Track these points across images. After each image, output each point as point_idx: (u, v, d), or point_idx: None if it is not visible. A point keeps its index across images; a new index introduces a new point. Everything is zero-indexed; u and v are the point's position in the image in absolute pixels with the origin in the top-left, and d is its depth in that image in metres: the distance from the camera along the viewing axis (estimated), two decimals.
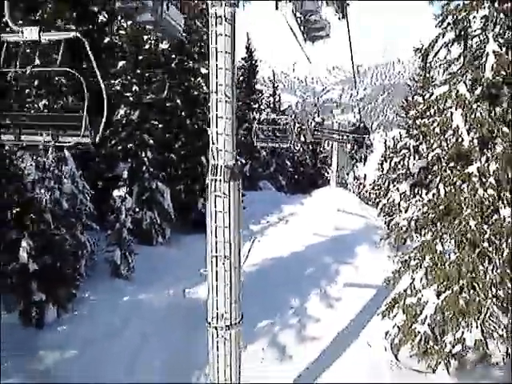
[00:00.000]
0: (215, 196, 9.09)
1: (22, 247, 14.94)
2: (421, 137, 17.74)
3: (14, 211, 15.11)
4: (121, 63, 23.17)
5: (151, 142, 23.18)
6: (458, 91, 13.30)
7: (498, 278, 13.55)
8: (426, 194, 15.07)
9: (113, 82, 23.32)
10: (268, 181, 47.69)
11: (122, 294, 18.53)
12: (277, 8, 8.23)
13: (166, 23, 9.11)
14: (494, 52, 12.57)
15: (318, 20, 8.93)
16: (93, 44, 22.55)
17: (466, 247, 13.51)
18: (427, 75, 27.97)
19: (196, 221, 27.62)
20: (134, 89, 22.77)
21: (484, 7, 13.02)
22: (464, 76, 13.47)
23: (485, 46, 12.94)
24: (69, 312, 16.67)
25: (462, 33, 13.48)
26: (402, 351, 15.32)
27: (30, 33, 8.00)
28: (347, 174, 63.71)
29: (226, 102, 8.80)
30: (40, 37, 7.91)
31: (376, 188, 45.49)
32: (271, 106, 51.79)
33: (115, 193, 19.48)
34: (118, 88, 23.24)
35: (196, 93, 27.53)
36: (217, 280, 9.42)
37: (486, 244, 13.48)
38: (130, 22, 23.35)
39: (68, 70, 7.85)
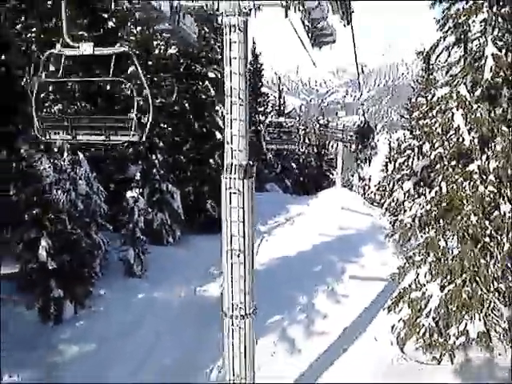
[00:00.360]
0: (230, 193, 9.64)
1: (41, 246, 15.59)
2: (424, 137, 18.23)
3: (34, 211, 15.74)
4: (131, 68, 23.69)
5: (161, 144, 23.75)
6: (458, 92, 13.79)
7: (500, 272, 14.07)
8: (429, 192, 15.55)
9: (123, 86, 23.93)
10: (274, 183, 48.25)
11: (136, 291, 19.13)
12: (286, 16, 8.80)
13: (182, 31, 9.75)
14: (492, 54, 13.03)
15: (324, 27, 9.53)
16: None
17: (468, 242, 13.97)
18: (430, 77, 28.56)
19: (204, 222, 28.28)
20: (144, 93, 23.30)
21: (483, 11, 13.47)
22: (464, 78, 13.95)
23: (484, 49, 13.39)
24: (85, 308, 17.30)
25: (462, 36, 14.00)
26: (408, 345, 15.74)
27: (86, 48, 8.86)
28: (352, 176, 64.12)
29: (239, 105, 9.39)
30: (94, 51, 8.53)
31: (381, 189, 45.91)
32: (276, 108, 52.31)
33: (128, 194, 20.13)
34: (128, 92, 23.78)
35: (204, 97, 28.12)
36: (231, 272, 9.95)
37: (487, 239, 13.98)
38: (139, 28, 24.01)
39: (120, 79, 8.65)
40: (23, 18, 21.44)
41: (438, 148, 14.93)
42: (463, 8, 13.89)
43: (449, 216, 14.53)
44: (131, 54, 8.54)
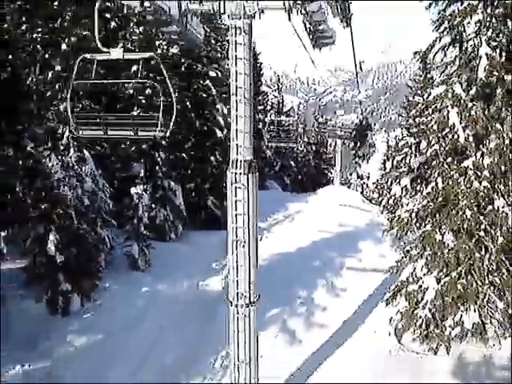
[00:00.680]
0: (235, 187, 10.13)
1: (49, 240, 16.07)
2: (420, 134, 18.64)
3: (43, 207, 16.21)
4: (134, 67, 24.16)
5: (163, 142, 24.18)
6: (454, 91, 14.16)
7: (494, 265, 14.48)
8: (426, 188, 15.97)
9: (126, 85, 24.41)
10: (273, 180, 48.74)
11: (140, 285, 19.63)
12: (289, 19, 9.27)
13: (189, 33, 10.23)
14: (486, 54, 13.31)
15: (325, 29, 9.99)
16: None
17: (463, 236, 14.42)
18: (427, 76, 28.98)
19: (205, 219, 28.81)
20: (146, 92, 23.76)
21: (477, 13, 13.79)
22: (459, 77, 14.31)
23: (478, 49, 13.65)
24: (92, 301, 17.80)
25: (458, 37, 14.31)
26: (405, 336, 16.20)
27: (116, 53, 9.32)
28: (350, 174, 64.63)
29: (244, 103, 9.89)
30: (123, 56, 9.19)
31: (379, 187, 46.35)
32: (275, 107, 52.78)
33: (133, 190, 20.64)
34: (131, 91, 24.26)
35: (204, 95, 28.56)
36: (237, 262, 10.45)
37: (482, 233, 14.40)
38: (141, 28, 24.45)
39: (147, 81, 9.26)
40: (28, 19, 21.73)
41: (434, 145, 15.25)
42: (458, 9, 14.15)
43: (444, 211, 14.92)
44: (157, 59, 9.10)
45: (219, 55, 31.31)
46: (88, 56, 9.33)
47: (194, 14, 10.04)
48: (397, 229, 17.03)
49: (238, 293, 10.60)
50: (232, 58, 9.79)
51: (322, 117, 53.74)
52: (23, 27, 21.37)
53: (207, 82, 28.49)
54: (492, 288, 14.75)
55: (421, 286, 15.39)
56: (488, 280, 14.64)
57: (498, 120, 13.97)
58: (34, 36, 20.76)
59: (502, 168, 13.89)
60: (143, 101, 24.14)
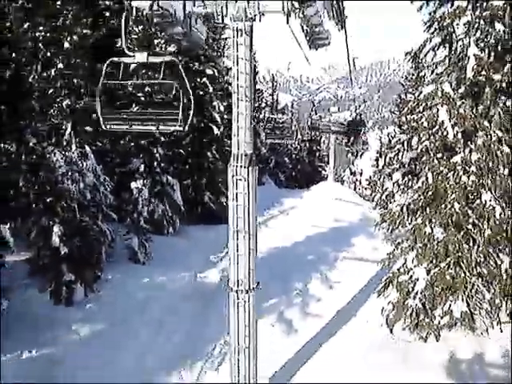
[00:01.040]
0: (236, 180, 10.76)
1: (54, 232, 16.63)
2: (411, 131, 19.23)
3: (48, 200, 16.77)
4: (133, 65, 24.64)
5: (162, 138, 24.70)
6: (443, 90, 14.60)
7: (482, 257, 14.99)
8: (416, 182, 16.55)
9: (125, 83, 24.89)
10: (269, 176, 49.34)
11: (140, 276, 20.16)
12: (287, 22, 9.88)
13: (193, 34, 10.85)
14: (474, 55, 13.74)
15: (321, 31, 10.63)
16: (106, 48, 24.21)
17: (451, 229, 14.91)
18: (420, 74, 29.57)
19: (202, 214, 29.39)
20: (146, 89, 24.26)
21: (466, 14, 14.27)
22: (449, 76, 14.74)
23: (467, 50, 14.01)
24: (94, 292, 18.37)
25: (447, 37, 14.71)
26: (396, 326, 16.66)
27: (141, 56, 10.04)
28: (344, 172, 65.26)
29: (245, 100, 10.49)
30: (148, 59, 9.97)
31: (372, 183, 47.00)
32: (270, 104, 53.36)
33: (133, 184, 21.26)
34: (131, 89, 24.74)
35: (201, 93, 29.06)
36: (237, 251, 11.08)
37: (470, 226, 14.88)
38: (141, 27, 24.94)
39: (170, 82, 9.98)
40: (30, 17, 22.18)
41: (424, 141, 15.69)
42: (448, 11, 14.59)
43: (434, 204, 15.41)
44: (177, 63, 9.80)
45: (215, 54, 31.86)
46: (115, 59, 9.98)
47: (198, 17, 10.63)
48: (388, 222, 17.57)
49: (238, 279, 11.22)
50: (233, 58, 10.39)
51: (316, 114, 54.19)
52: (25, 25, 21.80)
53: (204, 79, 29.01)
54: (480, 279, 15.20)
55: (411, 277, 15.83)
56: (476, 271, 15.09)
57: (485, 118, 14.42)
58: (37, 34, 21.19)
59: (490, 164, 14.32)
60: (142, 98, 24.60)
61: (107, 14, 26.10)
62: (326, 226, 28.84)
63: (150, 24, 10.35)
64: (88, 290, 18.11)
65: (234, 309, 11.44)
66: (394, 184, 19.23)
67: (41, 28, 21.70)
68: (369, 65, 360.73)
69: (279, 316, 18.27)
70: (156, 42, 25.38)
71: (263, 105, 52.43)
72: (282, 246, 25.21)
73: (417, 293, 15.71)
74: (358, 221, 31.00)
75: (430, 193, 15.58)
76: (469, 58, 13.92)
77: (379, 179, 37.21)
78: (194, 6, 10.23)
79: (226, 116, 29.63)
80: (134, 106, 24.40)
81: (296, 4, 9.46)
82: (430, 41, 15.25)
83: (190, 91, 9.65)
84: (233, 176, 10.78)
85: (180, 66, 9.71)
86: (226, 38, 32.43)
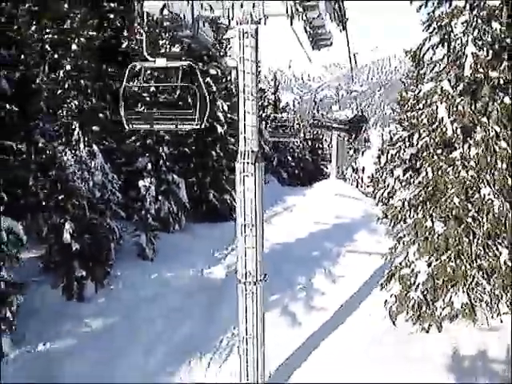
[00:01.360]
0: (244, 176, 11.25)
1: (65, 229, 17.12)
2: (412, 128, 19.56)
3: (59, 198, 17.27)
4: (138, 66, 25.06)
5: (167, 137, 25.12)
6: (442, 87, 14.98)
7: (482, 249, 15.36)
8: (417, 178, 16.96)
9: (131, 83, 25.35)
10: (271, 174, 49.72)
11: (149, 272, 20.74)
12: (291, 24, 10.35)
13: (201, 37, 11.34)
14: (472, 53, 14.11)
15: (323, 33, 11.12)
16: (111, 49, 24.66)
17: (451, 222, 15.24)
18: (420, 72, 29.86)
19: (207, 211, 29.85)
20: (151, 89, 24.66)
21: (464, 14, 14.63)
22: (448, 74, 15.07)
23: (465, 48, 14.39)
24: (105, 287, 18.89)
25: (446, 36, 14.99)
26: (399, 318, 17.01)
27: (161, 61, 10.81)
28: (346, 169, 65.64)
29: (251, 100, 10.98)
30: (167, 64, 10.74)
31: (374, 180, 47.28)
32: (272, 103, 53.75)
33: (140, 183, 21.79)
34: (136, 89, 25.17)
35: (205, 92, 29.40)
36: (245, 244, 11.58)
37: (469, 219, 15.23)
38: (146, 29, 25.37)
39: (187, 84, 10.58)
40: (37, 19, 22.65)
41: (424, 138, 16.10)
42: (446, 11, 15.00)
43: (434, 199, 15.79)
44: (194, 67, 10.49)
45: (218, 54, 32.24)
46: (137, 64, 10.58)
47: (205, 20, 11.10)
48: (390, 217, 17.96)
49: (246, 271, 11.71)
50: (240, 59, 10.87)
51: (318, 112, 54.71)
52: (32, 28, 22.25)
53: (207, 79, 29.39)
54: (480, 271, 15.55)
55: (413, 270, 16.21)
56: (476, 263, 15.45)
57: (484, 114, 14.76)
58: (45, 37, 21.66)
59: (488, 159, 14.66)
60: (147, 98, 25.01)
61: (111, 15, 26.50)
62: (329, 222, 29.29)
63: (160, 28, 10.85)
64: (98, 286, 18.61)
65: (242, 300, 11.94)
66: (395, 180, 19.56)
67: (48, 30, 22.13)
68: (370, 63, 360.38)
69: (284, 310, 18.73)
70: (161, 43, 25.80)
71: (266, 103, 52.81)
72: (285, 242, 25.58)
73: (418, 285, 16.08)
74: (361, 217, 31.43)
75: (430, 188, 15.95)
76: (467, 56, 14.28)
77: (381, 176, 37.45)
78: (202, 10, 10.68)
79: (229, 115, 30.05)
80: (139, 105, 24.87)
81: (300, 8, 9.91)
82: (429, 40, 15.52)
83: (206, 93, 10.19)
84: (240, 172, 11.26)
85: (197, 70, 10.20)
86: (228, 39, 32.80)
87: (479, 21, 14.44)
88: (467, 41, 14.49)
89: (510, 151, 14.54)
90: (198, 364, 15.38)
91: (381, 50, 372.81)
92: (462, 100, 14.90)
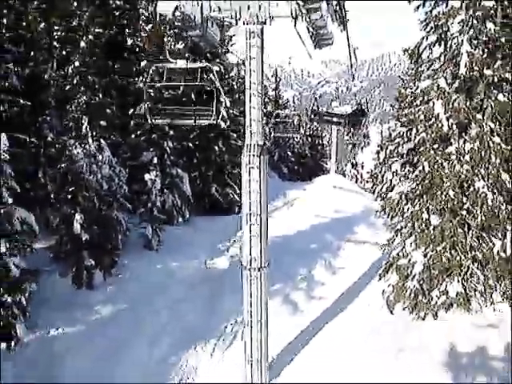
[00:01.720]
0: (249, 168, 11.92)
1: (75, 220, 17.77)
2: (409, 124, 20.10)
3: (70, 190, 17.92)
4: (143, 63, 25.70)
5: (171, 132, 25.70)
6: (439, 85, 15.47)
7: (476, 241, 15.89)
8: (414, 172, 17.53)
9: (136, 79, 26.03)
10: (272, 169, 50.26)
11: (154, 263, 21.48)
12: (295, 25, 10.99)
13: (209, 36, 11.97)
14: (467, 52, 14.64)
15: (325, 33, 11.75)
16: (117, 46, 25.17)
17: (447, 215, 15.80)
18: (419, 69, 30.38)
19: (210, 205, 30.47)
20: (156, 86, 25.17)
21: (460, 14, 15.14)
22: (444, 72, 15.62)
23: (461, 47, 14.90)
24: (112, 276, 19.60)
25: (443, 36, 15.61)
26: (396, 307, 17.54)
27: (181, 63, 11.81)
28: (345, 165, 66.13)
29: (257, 96, 11.63)
30: (187, 65, 11.72)
31: (373, 176, 47.73)
32: (273, 99, 54.25)
33: (147, 176, 22.44)
34: (141, 85, 25.77)
35: (208, 88, 29.93)
36: (250, 232, 12.26)
37: (464, 212, 15.77)
38: (150, 26, 25.99)
39: (203, 84, 11.36)
40: (46, 17, 23.21)
41: (421, 133, 16.63)
42: (443, 11, 15.52)
43: (430, 192, 16.31)
44: (211, 68, 11.46)
45: (221, 50, 32.75)
46: (160, 65, 11.30)
47: (214, 20, 11.73)
48: (388, 209, 18.54)
49: (251, 258, 12.38)
50: (247, 58, 11.51)
51: (318, 108, 55.06)
52: (41, 25, 22.83)
53: (211, 75, 29.88)
54: (474, 261, 16.07)
55: (410, 261, 16.73)
56: (470, 254, 15.96)
57: (478, 110, 15.27)
58: (54, 34, 22.25)
59: (482, 153, 15.16)
60: (152, 94, 25.54)
61: (117, 13, 27.02)
62: (329, 216, 29.73)
63: (173, 27, 11.52)
64: (106, 275, 19.25)
65: (247, 285, 12.62)
66: (393, 174, 20.20)
67: (56, 28, 22.70)
68: (370, 59, 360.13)
69: (285, 298, 19.35)
70: (165, 40, 26.33)
71: (266, 100, 53.26)
72: (286, 234, 26.04)
73: (415, 275, 16.63)
74: (360, 212, 31.85)
75: (426, 181, 16.47)
76: (462, 54, 14.80)
77: (380, 172, 37.96)
78: (211, 11, 11.30)
79: (231, 111, 30.56)
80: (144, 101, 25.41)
81: (303, 10, 10.53)
82: (427, 39, 16.13)
83: (222, 91, 10.89)
84: (246, 164, 11.91)
85: (214, 71, 10.87)
86: (231, 36, 33.32)
87: (474, 21, 14.92)
88: (463, 40, 14.97)
89: (503, 146, 15.03)
90: (204, 349, 16.04)
91: (381, 47, 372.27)
92: (457, 97, 15.32)
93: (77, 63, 19.77)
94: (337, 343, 16.04)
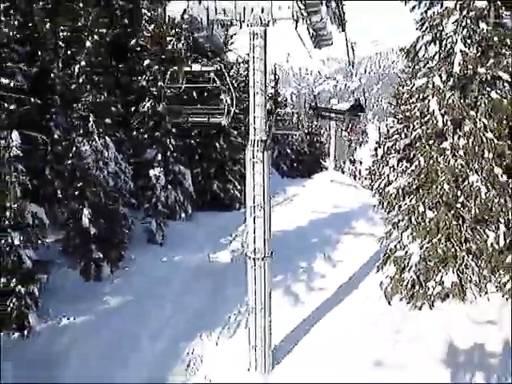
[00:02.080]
0: (253, 162, 12.55)
1: (84, 214, 18.39)
2: (406, 120, 20.63)
3: (78, 185, 18.53)
4: (146, 62, 26.27)
5: (174, 130, 26.24)
6: (434, 83, 15.99)
7: (470, 233, 16.45)
8: (410, 166, 18.08)
9: (139, 78, 26.63)
10: (271, 166, 50.75)
11: (159, 256, 22.22)
12: (296, 27, 11.62)
13: (215, 37, 12.61)
14: (461, 51, 15.13)
15: (325, 34, 12.36)
16: (120, 45, 25.74)
17: (442, 208, 16.33)
18: (416, 67, 30.89)
19: (211, 201, 31.06)
20: (158, 84, 25.77)
21: (454, 14, 15.56)
22: (439, 70, 16.11)
23: (455, 46, 15.33)
24: (119, 269, 20.26)
25: (437, 35, 16.06)
26: (394, 298, 18.11)
27: (196, 66, 13.11)
28: (344, 163, 66.65)
29: (261, 94, 12.25)
30: (201, 68, 13.00)
31: (371, 172, 48.21)
32: (272, 97, 54.68)
33: (151, 172, 23.11)
34: (144, 83, 26.37)
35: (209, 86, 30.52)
36: (254, 223, 12.90)
37: (458, 205, 16.29)
38: (153, 25, 26.60)
39: (218, 85, 12.07)
40: (52, 17, 23.69)
41: (417, 129, 17.25)
42: (438, 11, 15.97)
43: (426, 186, 16.86)
44: (223, 71, 11.83)
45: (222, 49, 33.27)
46: (177, 69, 12.06)
47: (219, 23, 12.35)
48: (386, 204, 19.10)
49: (255, 248, 13.02)
50: (251, 58, 12.13)
51: (317, 105, 55.57)
52: (47, 26, 23.31)
53: (212, 74, 30.44)
54: (468, 253, 16.64)
55: (406, 253, 17.27)
56: (465, 246, 16.50)
57: (472, 107, 15.80)
58: (59, 34, 22.78)
59: (476, 149, 15.69)
60: (155, 93, 26.16)
61: (120, 13, 27.61)
62: (328, 211, 30.36)
63: (181, 29, 12.20)
64: (113, 268, 19.88)
65: (251, 274, 13.27)
66: (390, 169, 20.77)
67: (62, 28, 23.23)
68: (368, 57, 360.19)
69: (286, 290, 19.94)
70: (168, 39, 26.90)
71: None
72: (286, 229, 26.43)
73: (412, 266, 17.19)
74: (358, 207, 32.47)
75: (422, 176, 17.00)
76: (456, 53, 15.29)
77: (378, 168, 38.45)
78: (216, 13, 11.92)
79: (232, 108, 31.02)
80: (147, 99, 26.05)
81: (304, 12, 11.14)
82: (422, 38, 16.58)
83: (233, 91, 11.55)
84: (250, 159, 12.55)
85: (226, 73, 11.52)
86: (231, 35, 33.81)
87: (468, 21, 15.41)
88: (457, 39, 15.45)
89: (496, 142, 15.55)
90: (209, 337, 16.69)
91: (380, 44, 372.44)
92: (452, 94, 15.87)
93: (83, 63, 20.18)
94: (337, 333, 16.60)
